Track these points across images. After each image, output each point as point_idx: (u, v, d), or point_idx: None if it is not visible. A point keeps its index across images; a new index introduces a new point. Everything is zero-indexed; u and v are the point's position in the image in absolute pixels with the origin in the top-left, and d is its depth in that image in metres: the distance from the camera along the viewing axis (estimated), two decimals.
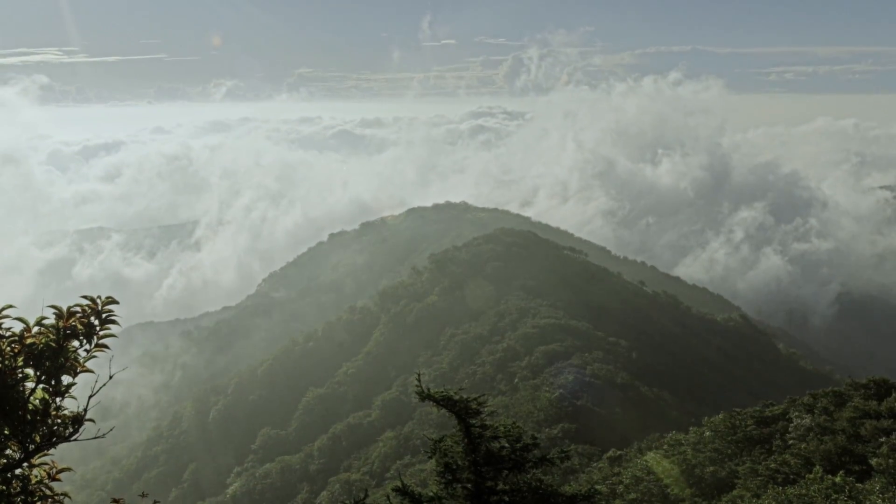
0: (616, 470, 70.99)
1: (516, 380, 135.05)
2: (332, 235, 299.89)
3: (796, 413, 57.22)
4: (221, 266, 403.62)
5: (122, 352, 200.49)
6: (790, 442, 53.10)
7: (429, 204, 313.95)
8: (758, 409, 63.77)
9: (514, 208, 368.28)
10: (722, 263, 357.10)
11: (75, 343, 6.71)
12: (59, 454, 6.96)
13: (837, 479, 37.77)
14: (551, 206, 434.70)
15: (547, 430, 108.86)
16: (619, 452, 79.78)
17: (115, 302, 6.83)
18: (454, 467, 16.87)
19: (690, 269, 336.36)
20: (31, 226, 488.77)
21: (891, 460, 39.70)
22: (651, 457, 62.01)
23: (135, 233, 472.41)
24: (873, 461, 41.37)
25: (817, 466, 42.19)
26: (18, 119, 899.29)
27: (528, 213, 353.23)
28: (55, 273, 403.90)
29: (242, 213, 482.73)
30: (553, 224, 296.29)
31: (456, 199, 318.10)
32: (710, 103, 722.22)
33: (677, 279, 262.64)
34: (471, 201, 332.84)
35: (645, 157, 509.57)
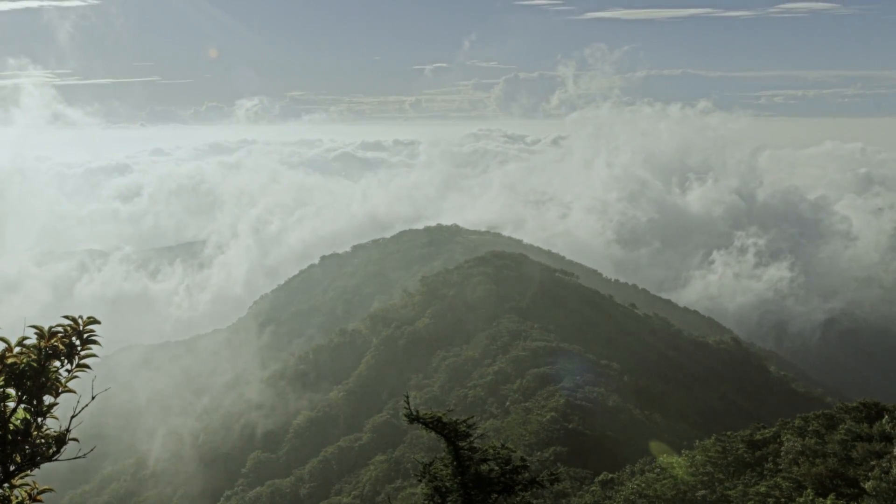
0: (608, 493, 70.78)
1: (508, 403, 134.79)
2: (323, 258, 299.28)
3: (788, 436, 57.18)
4: (230, 286, 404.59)
5: (114, 372, 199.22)
6: (782, 465, 53.01)
7: (444, 223, 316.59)
8: (749, 432, 63.71)
9: (526, 229, 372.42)
10: (716, 285, 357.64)
11: (57, 363, 6.68)
12: (45, 475, 6.89)
13: (829, 503, 37.74)
14: (557, 225, 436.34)
15: (539, 453, 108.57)
16: (610, 476, 79.57)
17: (96, 322, 6.80)
18: (443, 490, 16.79)
19: (684, 293, 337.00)
20: (41, 247, 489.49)
21: (882, 483, 39.67)
22: (651, 474, 61.85)
23: (146, 252, 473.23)
24: (865, 484, 41.33)
25: (809, 490, 42.14)
26: (19, 140, 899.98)
27: (534, 233, 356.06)
28: (69, 292, 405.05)
29: (255, 233, 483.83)
30: (560, 244, 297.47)
31: (471, 220, 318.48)
32: (736, 131, 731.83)
33: (668, 302, 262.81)
34: (488, 221, 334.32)
35: (668, 181, 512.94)
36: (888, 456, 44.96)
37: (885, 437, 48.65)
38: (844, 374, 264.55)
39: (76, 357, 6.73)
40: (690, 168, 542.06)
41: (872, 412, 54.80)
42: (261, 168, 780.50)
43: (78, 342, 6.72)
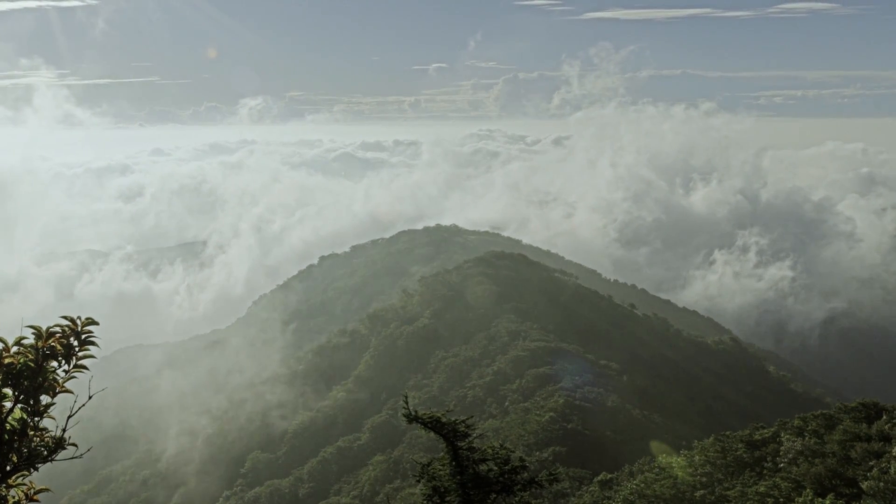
0: (607, 493, 70.76)
1: (507, 403, 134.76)
2: (322, 258, 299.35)
3: (787, 436, 57.18)
4: (232, 285, 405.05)
5: (112, 373, 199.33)
6: (781, 465, 53.01)
7: (448, 222, 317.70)
8: (748, 432, 63.69)
9: (528, 228, 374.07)
10: (718, 285, 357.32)
11: (54, 363, 6.67)
12: (45, 476, 6.88)
13: (827, 503, 37.74)
14: (560, 225, 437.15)
15: (538, 453, 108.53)
16: (609, 476, 79.55)
17: (94, 323, 6.78)
18: (442, 490, 16.77)
19: (687, 293, 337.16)
20: (42, 247, 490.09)
21: (881, 483, 39.67)
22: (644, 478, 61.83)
23: (147, 252, 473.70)
24: (863, 484, 41.33)
25: (808, 490, 42.15)
26: (20, 140, 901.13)
27: (537, 233, 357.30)
28: (69, 292, 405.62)
29: (257, 232, 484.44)
30: (563, 244, 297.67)
31: (474, 219, 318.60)
32: (739, 132, 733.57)
33: (668, 302, 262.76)
34: (491, 220, 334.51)
35: (671, 181, 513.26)
36: (887, 456, 44.97)
37: (884, 438, 48.67)
38: (844, 375, 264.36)
39: (73, 358, 6.72)
40: (693, 169, 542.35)
41: (871, 412, 54.83)
42: (262, 168, 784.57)
43: (76, 343, 6.71)
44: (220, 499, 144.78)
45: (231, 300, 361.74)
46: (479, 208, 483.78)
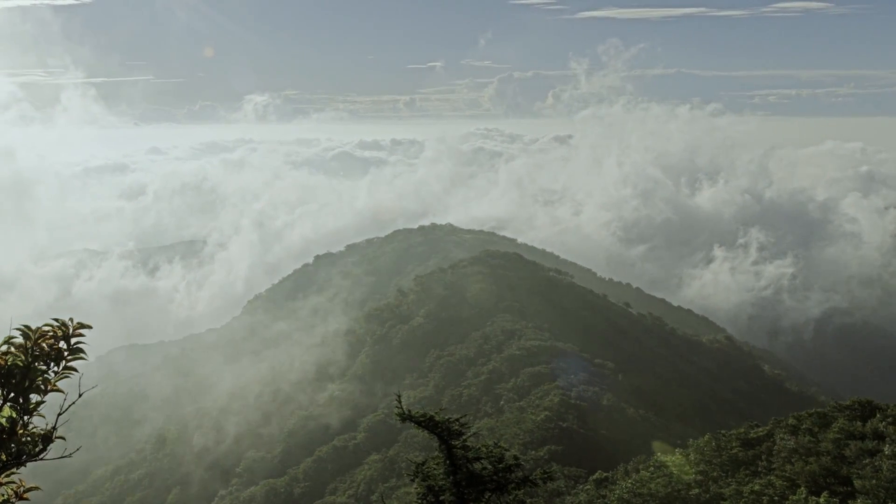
0: (602, 492, 70.80)
1: (502, 402, 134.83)
2: (317, 257, 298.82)
3: (781, 434, 57.28)
4: (232, 283, 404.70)
5: (108, 373, 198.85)
6: (775, 463, 53.10)
7: (450, 220, 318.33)
8: (742, 430, 63.78)
9: (529, 226, 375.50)
10: (719, 285, 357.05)
11: (43, 366, 6.63)
12: (38, 476, 6.85)
13: (822, 501, 37.85)
14: (562, 223, 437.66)
15: (533, 452, 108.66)
16: (605, 475, 79.58)
17: (86, 326, 6.74)
18: (436, 489, 16.77)
19: (688, 292, 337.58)
20: (41, 246, 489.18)
21: (874, 481, 39.76)
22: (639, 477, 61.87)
23: (148, 250, 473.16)
24: (857, 482, 41.43)
25: (802, 488, 42.26)
26: (17, 139, 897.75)
27: (538, 231, 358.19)
28: (68, 290, 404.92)
29: (258, 229, 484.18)
30: (563, 242, 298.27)
31: (478, 217, 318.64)
32: (740, 131, 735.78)
33: (662, 301, 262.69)
34: (494, 217, 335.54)
35: (676, 181, 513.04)
36: (881, 454, 45.07)
37: (878, 436, 48.78)
38: (838, 373, 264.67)
39: (63, 360, 6.68)
40: (697, 168, 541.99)
41: (866, 411, 54.95)
42: (264, 167, 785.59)
43: (65, 347, 6.67)
44: (216, 498, 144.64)
45: (231, 297, 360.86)
46: (482, 206, 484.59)
